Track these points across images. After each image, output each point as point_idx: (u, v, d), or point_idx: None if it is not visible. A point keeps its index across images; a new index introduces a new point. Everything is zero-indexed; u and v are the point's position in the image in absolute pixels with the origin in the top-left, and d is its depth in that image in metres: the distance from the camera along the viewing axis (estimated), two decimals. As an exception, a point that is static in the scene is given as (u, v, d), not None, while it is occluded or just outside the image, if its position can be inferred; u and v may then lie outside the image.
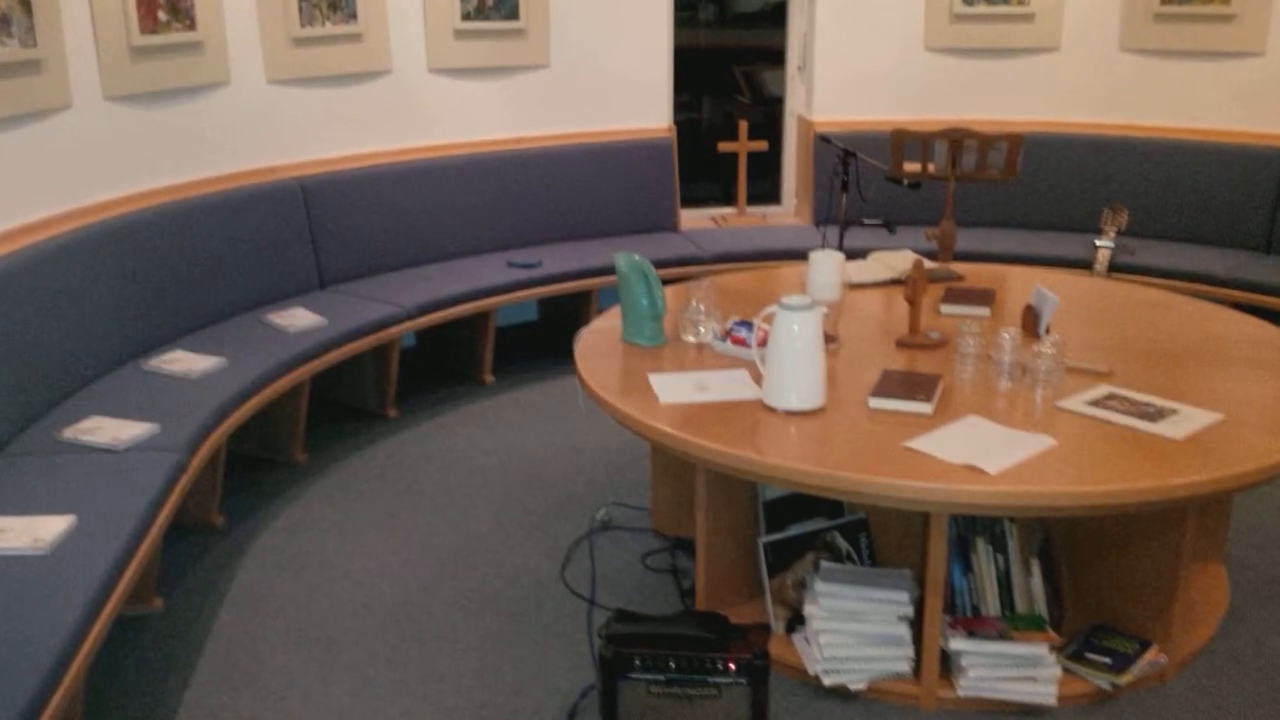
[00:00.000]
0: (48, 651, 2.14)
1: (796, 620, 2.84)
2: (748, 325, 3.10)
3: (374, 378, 4.37)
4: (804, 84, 5.70)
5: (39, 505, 2.71)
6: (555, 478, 3.86)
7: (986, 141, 4.24)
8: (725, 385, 2.89)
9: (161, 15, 3.93)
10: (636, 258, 3.22)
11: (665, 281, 3.42)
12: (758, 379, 2.87)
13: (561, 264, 4.81)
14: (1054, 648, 2.60)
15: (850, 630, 2.65)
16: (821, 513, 2.98)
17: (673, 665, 2.41)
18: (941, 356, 3.09)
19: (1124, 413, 2.68)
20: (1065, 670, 2.63)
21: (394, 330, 4.22)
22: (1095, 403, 2.74)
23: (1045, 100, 5.41)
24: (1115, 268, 4.72)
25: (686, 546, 3.35)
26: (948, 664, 2.66)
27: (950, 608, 2.78)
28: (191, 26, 4.05)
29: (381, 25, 4.72)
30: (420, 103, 4.92)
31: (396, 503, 3.69)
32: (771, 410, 2.73)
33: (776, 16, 5.89)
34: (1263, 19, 4.89)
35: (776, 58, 5.90)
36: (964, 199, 5.40)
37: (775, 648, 2.75)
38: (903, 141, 4.37)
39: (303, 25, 4.44)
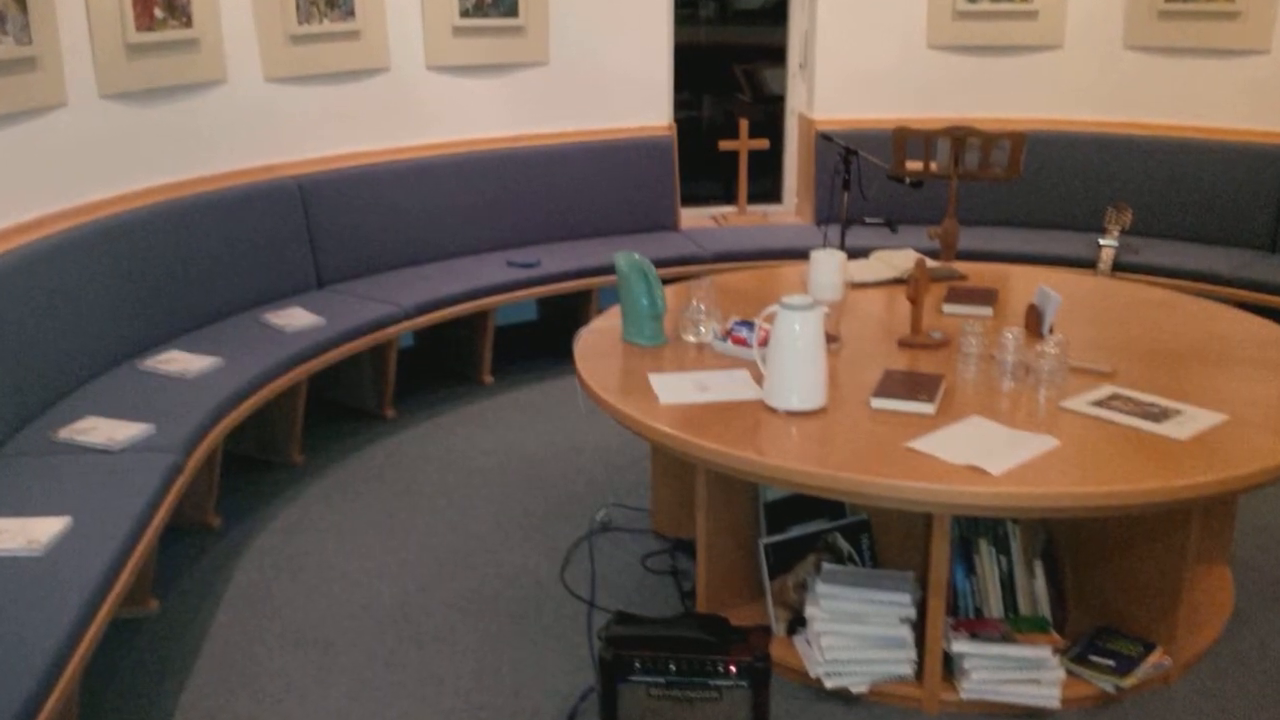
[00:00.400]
0: (43, 654, 2.12)
1: (798, 622, 2.82)
2: (748, 325, 3.08)
3: (372, 378, 4.35)
4: (805, 82, 5.68)
5: (34, 506, 2.70)
6: (555, 478, 3.84)
7: (989, 139, 4.22)
8: (726, 385, 2.87)
9: (158, 12, 3.91)
10: (636, 257, 3.20)
11: (665, 281, 3.40)
12: (758, 379, 2.85)
13: (561, 263, 4.79)
14: (1057, 650, 2.58)
15: (852, 632, 2.63)
16: (823, 514, 2.96)
17: (673, 668, 2.40)
18: (944, 356, 3.07)
19: (1128, 413, 2.65)
20: (1069, 673, 2.61)
21: (392, 330, 4.20)
22: (1099, 403, 2.72)
23: (1049, 98, 5.39)
24: (1119, 267, 4.70)
25: (687, 548, 3.33)
26: (950, 666, 2.64)
27: (953, 609, 2.76)
28: (188, 24, 4.03)
29: (379, 22, 4.70)
30: (418, 101, 4.90)
31: (395, 503, 3.67)
32: (772, 410, 2.71)
33: (777, 14, 5.87)
34: (1267, 17, 4.86)
35: (777, 55, 5.88)
36: (967, 197, 5.38)
37: (776, 650, 2.73)
38: (905, 140, 4.35)
39: (300, 22, 4.42)
